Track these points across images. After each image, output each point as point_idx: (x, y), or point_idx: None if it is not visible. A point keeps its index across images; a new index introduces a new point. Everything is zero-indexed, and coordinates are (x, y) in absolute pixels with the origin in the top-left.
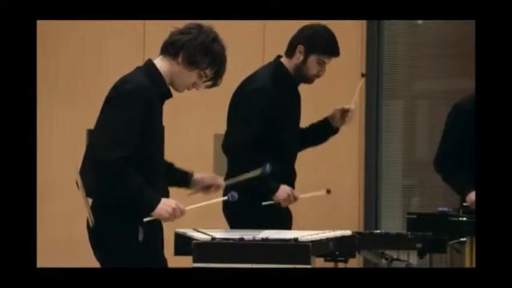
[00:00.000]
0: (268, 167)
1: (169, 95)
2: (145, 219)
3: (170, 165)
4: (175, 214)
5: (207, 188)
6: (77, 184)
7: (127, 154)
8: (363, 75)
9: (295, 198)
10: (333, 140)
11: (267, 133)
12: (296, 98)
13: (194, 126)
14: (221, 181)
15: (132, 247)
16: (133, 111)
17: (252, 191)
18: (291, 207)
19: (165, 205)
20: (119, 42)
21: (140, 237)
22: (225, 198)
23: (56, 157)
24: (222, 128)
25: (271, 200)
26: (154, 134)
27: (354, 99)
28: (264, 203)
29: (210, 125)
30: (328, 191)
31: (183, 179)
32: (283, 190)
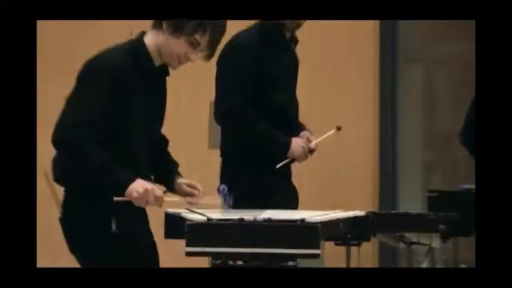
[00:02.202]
0: (222, 189)
1: (160, 72)
2: (116, 199)
3: (174, 165)
4: (148, 198)
5: (188, 195)
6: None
7: (89, 134)
8: (338, 128)
9: (311, 150)
10: (343, 112)
11: (258, 94)
12: (291, 56)
13: (188, 94)
14: (200, 194)
15: (105, 238)
16: (98, 91)
17: (261, 153)
18: (298, 183)
19: (138, 184)
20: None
21: (113, 227)
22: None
23: None
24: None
25: (286, 158)
26: (132, 116)
27: (318, 141)
28: (278, 166)
29: (205, 92)
30: (339, 128)
31: (172, 180)
32: (297, 144)
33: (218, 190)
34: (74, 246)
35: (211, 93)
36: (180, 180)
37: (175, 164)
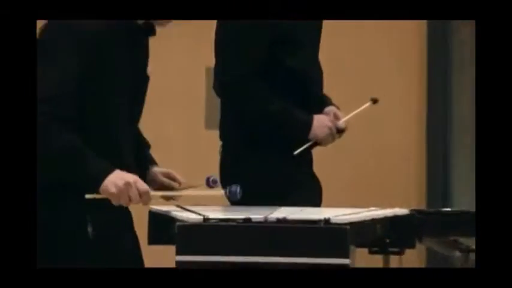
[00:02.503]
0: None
1: (144, 31)
2: (88, 196)
3: (146, 147)
4: (130, 193)
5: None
6: None
7: (53, 111)
8: (374, 101)
9: (340, 131)
10: (384, 84)
11: (271, 57)
12: None
13: (180, 58)
14: (182, 186)
15: (78, 246)
16: (64, 57)
17: (274, 136)
18: (321, 174)
19: (116, 177)
20: None
21: (90, 231)
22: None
23: None
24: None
25: (307, 141)
26: (109, 88)
27: (348, 117)
28: (296, 152)
29: (201, 55)
30: (375, 101)
31: (144, 168)
32: (321, 122)
33: (208, 182)
34: (41, 253)
35: (209, 57)
36: (155, 169)
37: (147, 146)
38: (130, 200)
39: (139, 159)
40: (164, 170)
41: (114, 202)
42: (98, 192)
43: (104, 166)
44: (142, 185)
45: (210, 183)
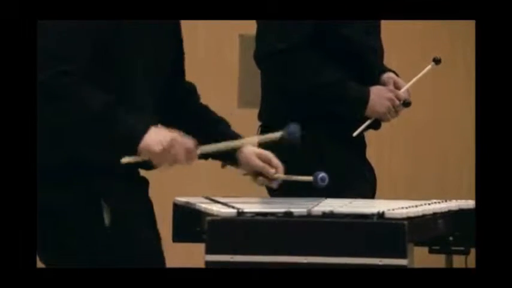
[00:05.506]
0: (322, 178)
1: None
2: (124, 160)
3: (216, 123)
4: (177, 151)
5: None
6: None
7: (74, 69)
8: (436, 61)
9: (405, 103)
10: (444, 72)
11: (326, 27)
12: None
13: (214, 26)
14: (279, 171)
15: (94, 237)
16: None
17: (323, 114)
18: (375, 161)
19: (158, 134)
20: None
21: (106, 220)
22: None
23: None
24: (250, 26)
25: (365, 120)
26: (130, 48)
27: (409, 85)
28: (356, 132)
29: (234, 23)
30: (437, 61)
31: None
32: (380, 95)
33: (315, 180)
34: (43, 244)
35: (244, 23)
36: (248, 149)
37: (225, 123)
38: (175, 159)
39: (216, 135)
40: (259, 150)
41: (156, 163)
42: (133, 154)
43: (142, 124)
44: (188, 141)
45: (318, 182)
